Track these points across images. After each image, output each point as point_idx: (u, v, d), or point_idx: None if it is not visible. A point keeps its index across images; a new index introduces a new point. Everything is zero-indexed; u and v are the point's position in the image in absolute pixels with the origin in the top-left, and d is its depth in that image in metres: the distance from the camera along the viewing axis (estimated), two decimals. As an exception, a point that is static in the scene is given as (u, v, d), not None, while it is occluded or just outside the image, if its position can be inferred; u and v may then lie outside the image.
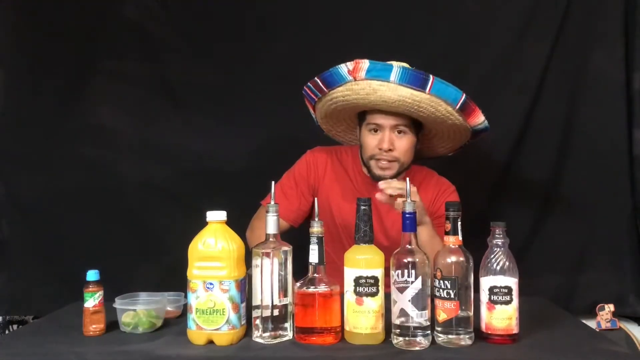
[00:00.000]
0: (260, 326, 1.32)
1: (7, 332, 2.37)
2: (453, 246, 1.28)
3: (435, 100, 1.63)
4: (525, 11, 2.29)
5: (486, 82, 2.31)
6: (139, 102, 2.35)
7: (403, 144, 1.76)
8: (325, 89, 1.72)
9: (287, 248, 1.34)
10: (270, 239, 1.34)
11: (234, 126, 2.34)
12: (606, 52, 2.28)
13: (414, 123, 1.76)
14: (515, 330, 1.28)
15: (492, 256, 1.29)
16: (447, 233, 1.29)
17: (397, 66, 1.61)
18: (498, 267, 1.28)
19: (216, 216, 1.34)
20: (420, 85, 1.61)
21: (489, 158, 2.31)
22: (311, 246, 1.32)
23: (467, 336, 1.27)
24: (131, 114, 2.35)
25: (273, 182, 1.42)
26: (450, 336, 1.27)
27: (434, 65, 2.27)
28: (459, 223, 1.29)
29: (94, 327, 1.39)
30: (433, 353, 1.24)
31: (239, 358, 1.25)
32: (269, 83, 2.31)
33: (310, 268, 1.32)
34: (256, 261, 1.32)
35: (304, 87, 1.79)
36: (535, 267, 2.23)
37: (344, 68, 1.63)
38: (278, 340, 1.31)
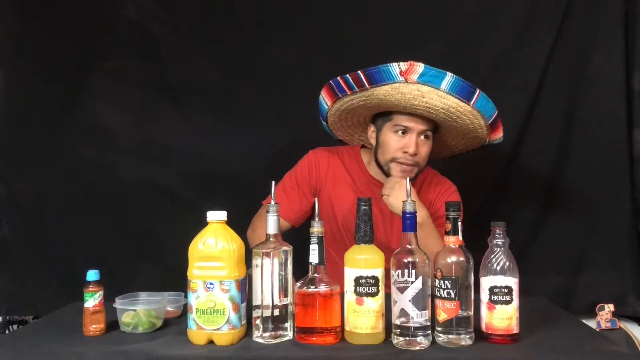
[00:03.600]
0: (261, 326, 1.32)
1: (7, 332, 2.37)
2: (453, 246, 1.28)
3: (474, 113, 1.65)
4: (526, 11, 2.29)
5: (486, 82, 2.28)
6: (139, 102, 2.35)
7: (425, 149, 1.75)
8: (366, 85, 1.65)
9: (287, 248, 1.34)
10: (271, 239, 1.34)
11: (234, 126, 2.34)
12: (606, 52, 2.29)
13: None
14: (515, 330, 1.28)
15: (493, 256, 1.29)
16: (447, 233, 1.29)
17: (450, 75, 1.59)
18: (498, 267, 1.28)
19: (216, 216, 1.34)
20: (467, 97, 1.61)
21: (489, 158, 2.31)
22: (311, 246, 1.31)
23: (468, 336, 1.27)
24: (131, 114, 2.35)
25: (273, 182, 1.42)
26: (450, 336, 1.27)
27: (434, 65, 2.27)
28: (459, 223, 1.29)
29: (94, 327, 1.39)
30: (433, 353, 1.24)
31: (239, 358, 1.25)
32: (269, 83, 2.31)
33: (311, 268, 1.32)
34: (256, 261, 1.32)
35: (336, 78, 1.72)
36: (535, 267, 2.23)
37: (395, 68, 1.59)
38: (278, 340, 1.31)
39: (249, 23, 2.32)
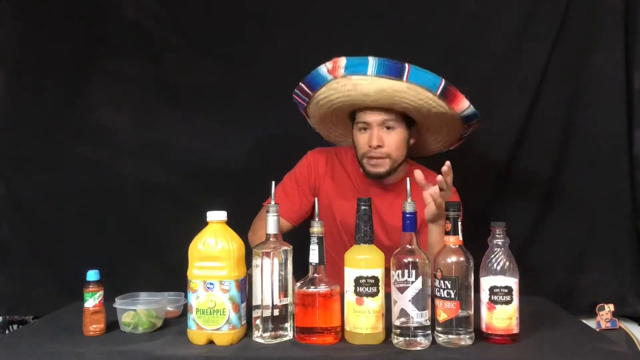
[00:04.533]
0: (261, 326, 1.32)
1: (7, 332, 2.37)
2: (453, 246, 1.28)
3: (414, 88, 1.63)
4: (526, 11, 2.29)
5: (486, 82, 2.31)
6: (139, 102, 2.35)
7: (392, 139, 1.76)
8: (310, 92, 1.73)
9: (287, 248, 1.34)
10: (271, 239, 1.34)
11: (234, 126, 2.34)
12: (606, 52, 2.28)
13: (404, 118, 1.76)
14: (515, 330, 1.28)
15: (493, 256, 1.29)
16: (447, 233, 1.29)
17: (372, 58, 1.61)
18: (498, 267, 1.28)
19: (216, 216, 1.34)
20: (397, 75, 1.61)
21: (489, 158, 2.31)
22: (311, 246, 1.32)
23: (468, 336, 1.27)
24: (131, 114, 2.35)
25: (273, 182, 1.42)
26: (450, 336, 1.27)
27: (434, 65, 2.26)
28: (459, 223, 1.29)
29: (94, 327, 1.39)
30: (433, 353, 1.24)
31: (239, 358, 1.25)
32: (269, 83, 2.31)
33: (311, 268, 1.32)
34: (256, 261, 1.32)
35: (293, 96, 1.81)
36: (535, 267, 2.23)
37: (323, 68, 1.65)
38: (278, 340, 1.31)
39: (249, 23, 2.32)
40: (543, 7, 2.27)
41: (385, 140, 1.75)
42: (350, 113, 1.82)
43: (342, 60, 1.63)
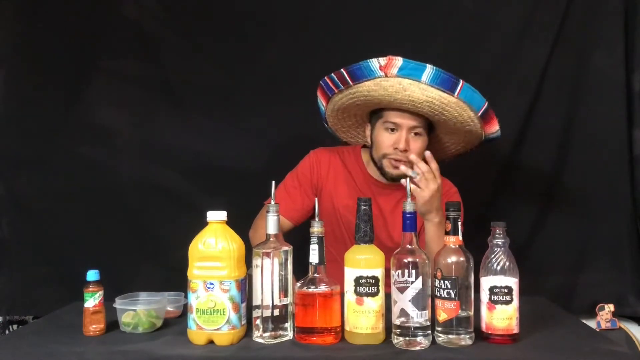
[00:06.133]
0: (261, 326, 1.32)
1: (7, 332, 2.36)
2: (453, 246, 1.28)
3: (461, 105, 1.63)
4: (526, 11, 2.29)
5: (486, 82, 2.30)
6: (139, 102, 2.35)
7: (418, 145, 1.74)
8: (350, 82, 1.68)
9: (287, 248, 1.34)
10: (271, 239, 1.34)
11: (234, 126, 2.34)
12: (606, 52, 2.28)
13: (428, 125, 1.76)
14: (515, 330, 1.28)
15: (493, 256, 1.29)
16: (447, 233, 1.29)
17: (430, 67, 1.59)
18: (498, 267, 1.28)
19: (216, 216, 1.34)
20: (450, 89, 1.60)
21: (489, 158, 2.31)
22: (311, 246, 1.32)
23: (468, 336, 1.27)
24: (131, 114, 2.35)
25: (273, 182, 1.41)
26: (450, 336, 1.27)
27: (434, 65, 2.28)
28: (459, 223, 1.29)
29: (94, 327, 1.39)
30: (433, 353, 1.24)
31: (239, 358, 1.25)
32: (269, 83, 2.31)
33: (311, 268, 1.32)
34: (256, 261, 1.32)
35: (324, 78, 1.74)
36: (535, 267, 2.23)
37: (375, 63, 1.60)
38: (278, 340, 1.31)
39: (249, 23, 2.32)
40: (543, 7, 2.28)
41: (411, 145, 1.73)
42: (374, 109, 1.79)
43: (398, 61, 1.59)
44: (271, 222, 1.35)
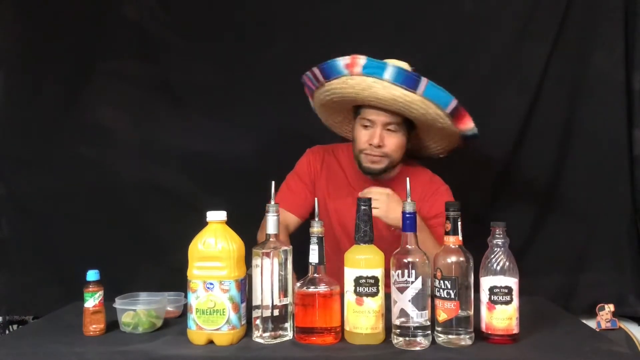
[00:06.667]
0: (261, 326, 1.32)
1: (7, 332, 2.37)
2: (453, 246, 1.28)
3: (426, 102, 1.66)
4: (526, 11, 2.29)
5: (486, 82, 2.31)
6: (139, 102, 2.35)
7: (393, 141, 1.79)
8: (322, 80, 1.75)
9: (287, 248, 1.34)
10: (271, 239, 1.34)
11: (234, 126, 2.34)
12: (606, 52, 2.28)
13: (406, 122, 1.79)
14: (515, 330, 1.28)
15: (492, 256, 1.29)
16: (447, 233, 1.29)
17: (391, 65, 1.64)
18: (498, 267, 1.28)
19: (216, 216, 1.34)
20: (412, 86, 1.64)
21: (489, 158, 2.31)
22: (311, 246, 1.32)
23: (467, 336, 1.27)
24: (131, 114, 2.36)
25: (273, 182, 1.41)
26: (450, 336, 1.27)
27: (434, 65, 2.28)
28: (459, 223, 1.29)
29: (94, 327, 1.39)
30: (433, 353, 1.24)
31: (239, 358, 1.25)
32: (269, 82, 2.31)
33: (311, 268, 1.32)
34: (256, 261, 1.32)
35: (304, 76, 1.81)
36: (535, 267, 2.23)
37: (341, 62, 1.66)
38: (278, 340, 1.31)
39: (249, 23, 2.32)
40: (543, 7, 2.27)
41: (386, 141, 1.78)
42: (354, 105, 1.84)
43: (361, 59, 1.64)
44: (271, 222, 1.35)
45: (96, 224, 2.31)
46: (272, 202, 1.37)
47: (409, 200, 1.32)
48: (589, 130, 2.31)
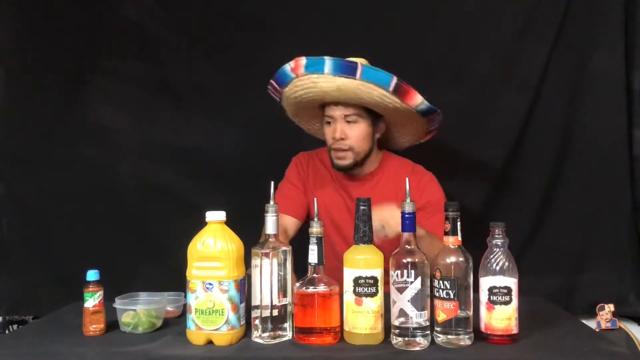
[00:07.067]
0: (260, 326, 1.32)
1: (7, 332, 2.37)
2: (452, 246, 1.28)
3: (367, 85, 1.70)
4: (526, 11, 2.29)
5: (486, 82, 2.31)
6: (139, 102, 2.35)
7: (355, 132, 1.83)
8: (279, 88, 1.83)
9: (287, 248, 1.34)
10: (270, 239, 1.34)
11: (234, 126, 2.34)
12: (606, 52, 2.28)
13: (368, 112, 1.83)
14: (514, 331, 1.28)
15: (492, 256, 1.29)
16: (446, 233, 1.29)
17: (328, 58, 1.69)
18: (497, 267, 1.28)
19: (215, 216, 1.34)
20: (352, 73, 1.69)
21: (489, 158, 2.31)
22: (310, 246, 1.32)
23: (467, 336, 1.27)
24: (131, 114, 2.36)
25: (272, 182, 1.41)
26: (449, 336, 1.27)
27: (434, 66, 2.28)
28: (459, 223, 1.29)
29: (94, 327, 1.39)
30: (432, 353, 1.24)
31: (238, 358, 1.25)
32: (268, 83, 2.30)
33: (310, 268, 1.32)
34: (255, 261, 1.32)
35: (268, 92, 1.88)
36: (535, 267, 2.22)
37: (287, 67, 1.74)
38: (277, 340, 1.31)
39: (249, 23, 2.32)
40: (543, 7, 2.27)
41: (347, 133, 1.83)
42: (322, 108, 1.89)
43: (302, 60, 1.71)
44: (270, 222, 1.35)
45: (96, 224, 2.32)
46: (272, 202, 1.37)
47: (408, 200, 1.32)
48: (588, 130, 2.31)
